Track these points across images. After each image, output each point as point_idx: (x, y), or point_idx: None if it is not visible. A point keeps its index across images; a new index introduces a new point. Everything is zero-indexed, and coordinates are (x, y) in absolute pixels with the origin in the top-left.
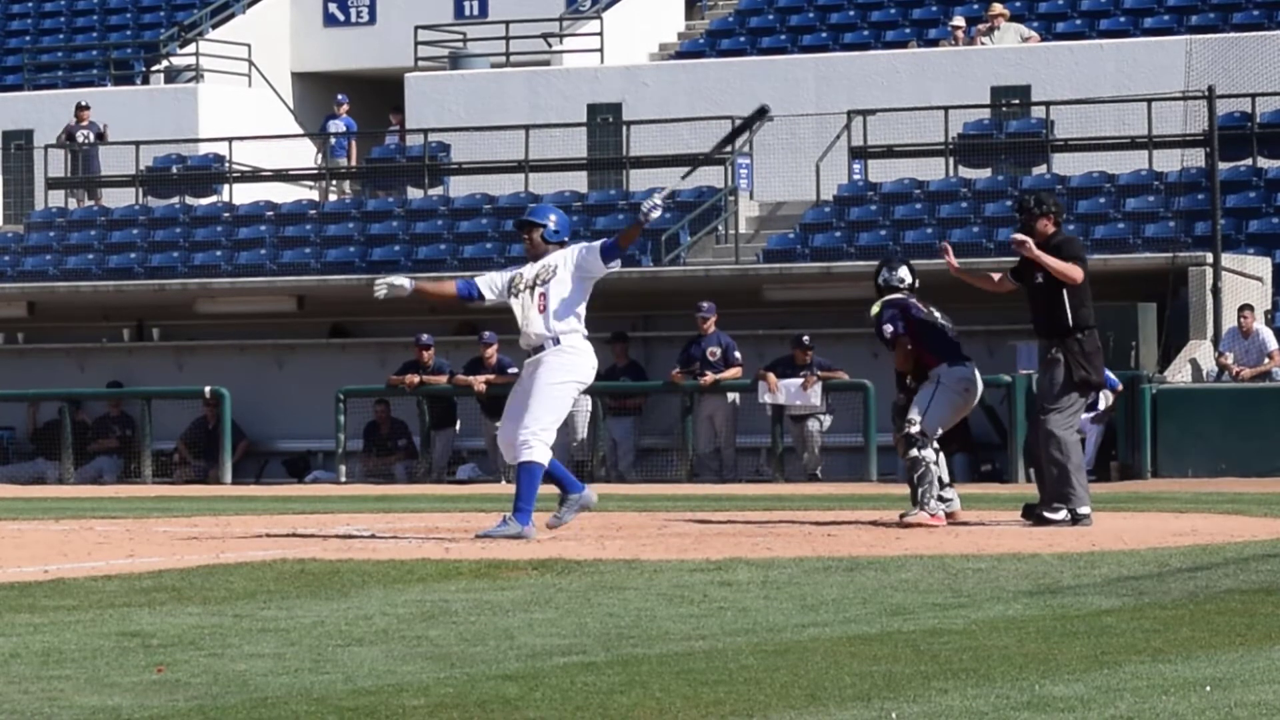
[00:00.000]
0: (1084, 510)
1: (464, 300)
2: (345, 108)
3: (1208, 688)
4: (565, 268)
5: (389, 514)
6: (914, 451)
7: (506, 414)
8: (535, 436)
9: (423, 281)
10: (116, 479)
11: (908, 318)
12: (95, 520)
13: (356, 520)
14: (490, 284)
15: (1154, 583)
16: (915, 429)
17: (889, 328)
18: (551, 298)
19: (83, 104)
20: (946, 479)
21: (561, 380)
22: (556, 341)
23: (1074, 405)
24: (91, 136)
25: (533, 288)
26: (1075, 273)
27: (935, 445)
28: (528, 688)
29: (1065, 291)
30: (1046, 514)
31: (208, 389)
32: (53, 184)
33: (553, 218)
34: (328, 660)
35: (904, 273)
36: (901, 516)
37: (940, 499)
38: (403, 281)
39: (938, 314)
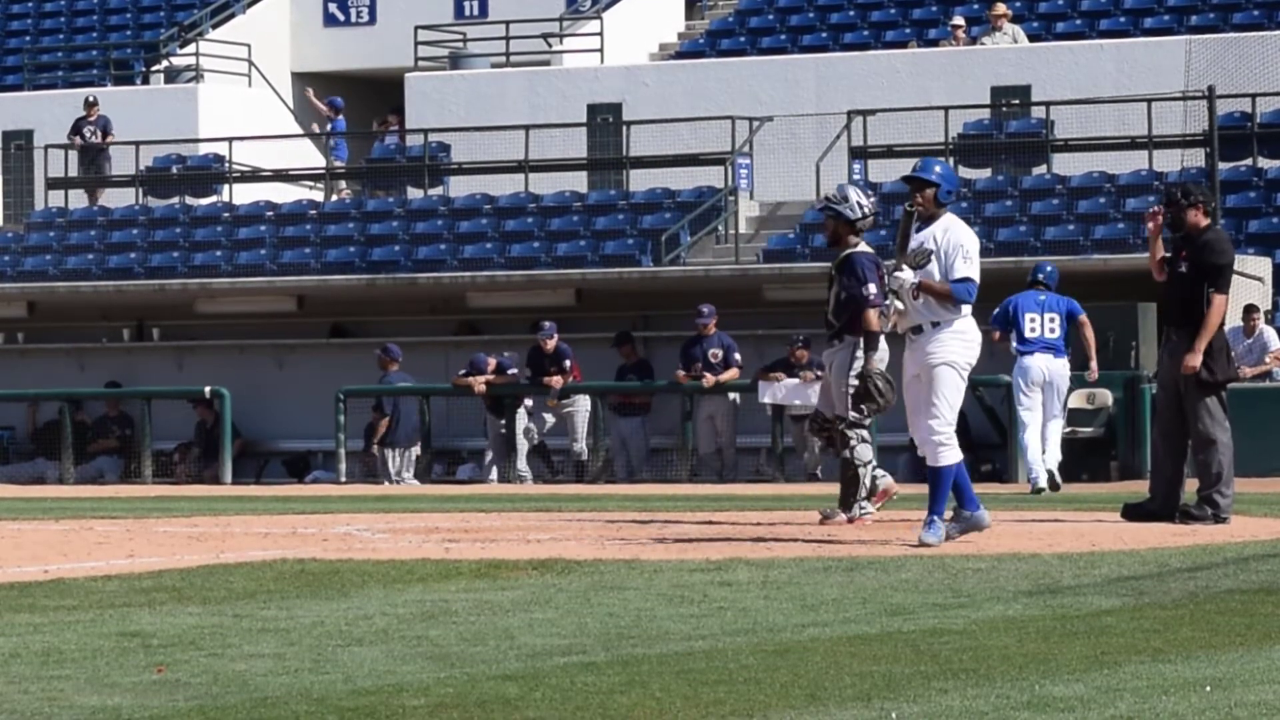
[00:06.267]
0: (1226, 515)
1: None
2: (330, 109)
3: (1208, 688)
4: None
5: (389, 514)
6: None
7: (915, 408)
8: (946, 436)
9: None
10: (117, 479)
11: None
12: (95, 520)
13: (356, 520)
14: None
15: (1154, 583)
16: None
17: (872, 290)
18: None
19: (91, 99)
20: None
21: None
22: (935, 325)
23: (1216, 406)
24: (99, 133)
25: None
26: (1220, 300)
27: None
28: (528, 688)
29: (1208, 285)
30: (1194, 511)
31: (208, 389)
32: (53, 184)
33: (937, 169)
34: (328, 660)
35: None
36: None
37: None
38: (906, 277)
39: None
